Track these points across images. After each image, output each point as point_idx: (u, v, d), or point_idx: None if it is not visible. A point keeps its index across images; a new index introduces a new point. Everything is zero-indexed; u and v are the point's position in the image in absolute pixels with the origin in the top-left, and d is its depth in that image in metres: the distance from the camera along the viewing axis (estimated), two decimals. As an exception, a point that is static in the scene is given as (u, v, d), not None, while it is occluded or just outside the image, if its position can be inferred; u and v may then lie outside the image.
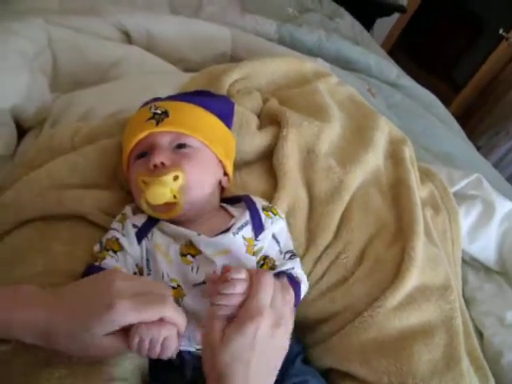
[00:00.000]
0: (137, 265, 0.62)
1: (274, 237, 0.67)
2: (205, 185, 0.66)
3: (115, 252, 0.60)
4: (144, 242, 0.62)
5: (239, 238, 0.62)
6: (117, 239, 0.62)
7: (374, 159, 0.88)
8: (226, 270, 0.51)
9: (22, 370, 0.52)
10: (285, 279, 0.57)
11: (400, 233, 0.78)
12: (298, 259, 0.68)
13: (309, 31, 1.59)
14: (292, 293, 0.56)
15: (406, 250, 0.73)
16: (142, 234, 0.62)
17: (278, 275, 0.57)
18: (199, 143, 0.67)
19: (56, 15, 1.13)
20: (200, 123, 0.69)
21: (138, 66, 1.15)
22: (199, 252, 0.60)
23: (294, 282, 0.62)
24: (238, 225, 0.63)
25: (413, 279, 0.70)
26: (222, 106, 0.76)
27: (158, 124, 0.65)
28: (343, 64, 1.55)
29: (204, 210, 0.67)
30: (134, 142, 0.66)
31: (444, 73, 3.19)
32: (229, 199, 0.73)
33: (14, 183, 0.73)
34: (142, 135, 0.66)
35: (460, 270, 0.87)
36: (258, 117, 0.94)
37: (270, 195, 0.76)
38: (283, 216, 0.72)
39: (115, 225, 0.64)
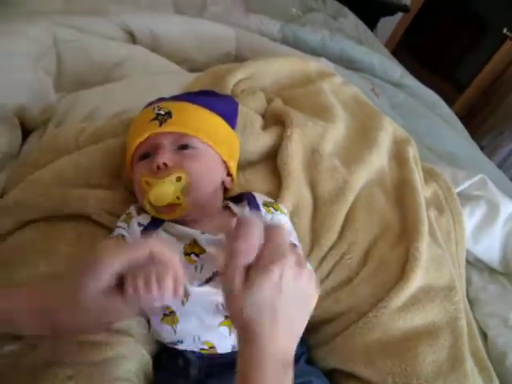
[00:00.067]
0: None
1: None
2: (208, 186, 0.66)
3: None
4: (149, 242, 0.62)
5: None
6: (123, 236, 0.62)
7: (379, 159, 0.88)
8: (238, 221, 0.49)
9: (28, 369, 0.52)
10: None
11: (404, 233, 0.77)
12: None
13: (312, 31, 1.59)
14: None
15: (411, 250, 0.73)
16: (147, 234, 0.62)
17: None
18: (202, 144, 0.67)
19: (60, 15, 1.14)
20: (204, 124, 0.69)
21: (143, 65, 1.15)
22: (203, 251, 0.60)
23: None
24: None
25: (417, 280, 0.70)
26: (226, 106, 0.76)
27: (161, 125, 0.65)
28: (347, 64, 1.54)
29: (207, 210, 0.67)
30: (137, 142, 0.66)
31: (447, 72, 3.18)
32: (234, 198, 0.73)
33: (18, 183, 0.74)
34: (144, 136, 0.66)
35: (464, 270, 0.86)
36: (263, 117, 0.94)
37: (275, 195, 0.76)
38: (285, 211, 0.72)
39: (121, 224, 0.65)
